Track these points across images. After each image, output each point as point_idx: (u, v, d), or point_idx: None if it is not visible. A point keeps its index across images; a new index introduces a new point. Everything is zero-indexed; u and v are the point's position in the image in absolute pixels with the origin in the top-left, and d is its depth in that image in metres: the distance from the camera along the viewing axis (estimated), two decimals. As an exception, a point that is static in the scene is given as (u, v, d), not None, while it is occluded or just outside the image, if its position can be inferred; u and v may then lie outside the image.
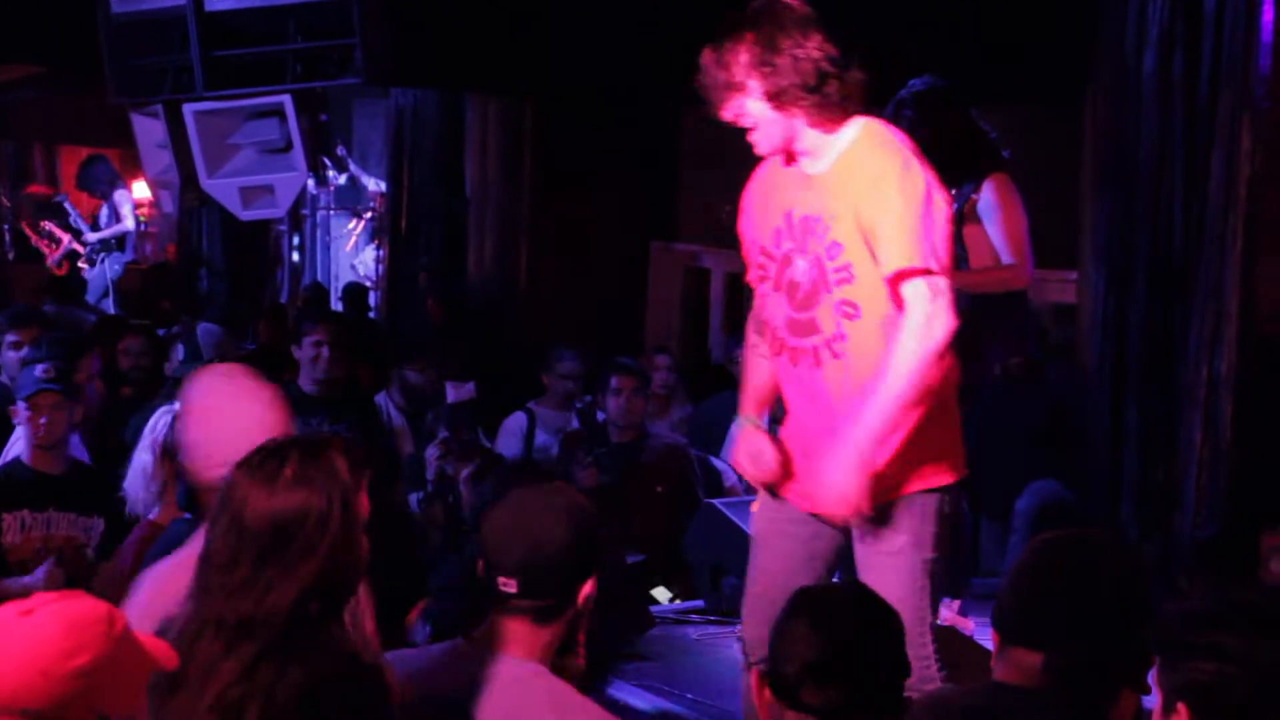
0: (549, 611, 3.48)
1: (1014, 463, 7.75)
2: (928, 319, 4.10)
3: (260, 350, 11.01)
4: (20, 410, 6.29)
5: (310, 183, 14.23)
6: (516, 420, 9.00)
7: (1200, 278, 7.02)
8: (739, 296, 12.39)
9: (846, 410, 4.25)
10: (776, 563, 4.46)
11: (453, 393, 8.76)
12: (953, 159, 6.28)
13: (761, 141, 4.31)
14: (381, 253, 14.76)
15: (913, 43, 8.85)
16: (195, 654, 2.92)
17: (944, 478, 4.35)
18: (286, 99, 9.72)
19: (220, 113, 10.04)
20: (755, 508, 4.65)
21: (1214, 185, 6.99)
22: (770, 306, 4.45)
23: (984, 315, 6.32)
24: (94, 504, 6.21)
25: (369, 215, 16.00)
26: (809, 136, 4.27)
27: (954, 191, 6.35)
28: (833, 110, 4.23)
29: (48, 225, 16.64)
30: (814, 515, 4.40)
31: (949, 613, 6.44)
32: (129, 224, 16.06)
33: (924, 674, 4.26)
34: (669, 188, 12.95)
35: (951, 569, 6.42)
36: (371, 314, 14.13)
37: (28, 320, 8.22)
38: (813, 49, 4.17)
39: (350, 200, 16.24)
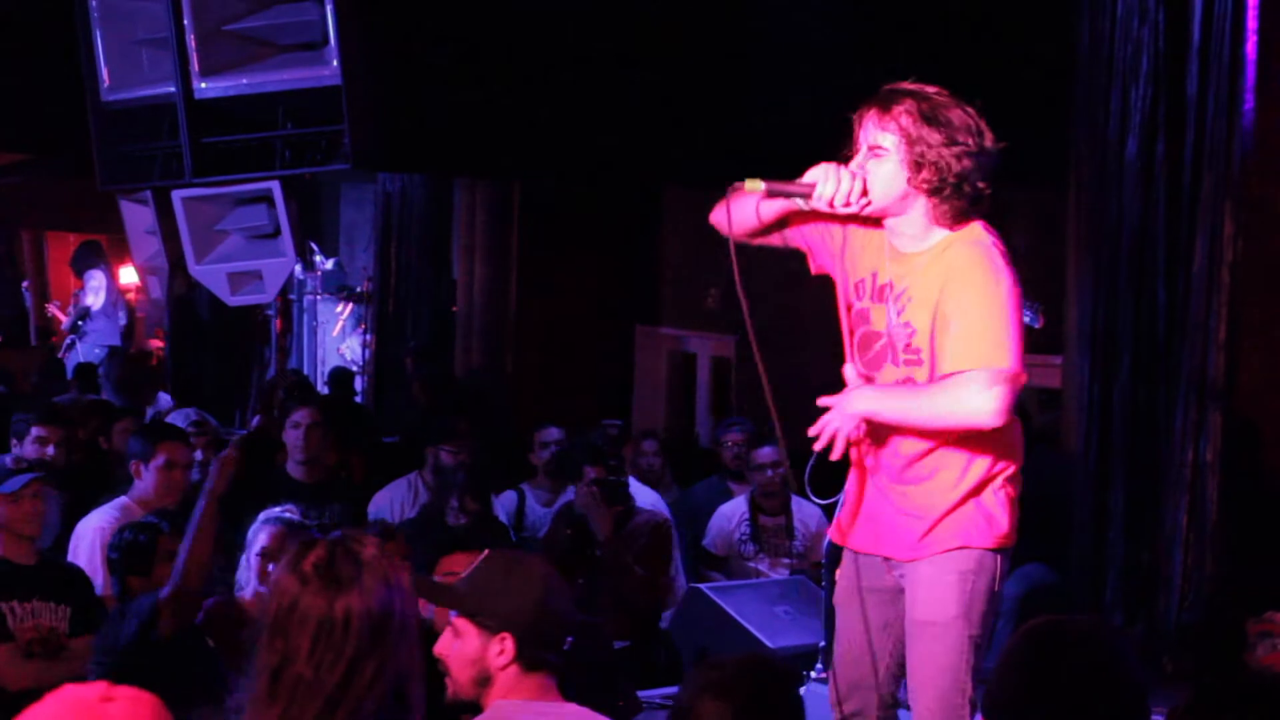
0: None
1: (1000, 547, 7.73)
2: (983, 389, 4.17)
3: (255, 435, 10.98)
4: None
5: (297, 268, 14.25)
6: (507, 498, 8.99)
7: (1184, 362, 7.02)
8: (725, 380, 12.40)
9: (886, 473, 4.46)
10: (852, 628, 4.59)
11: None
12: None
13: (875, 201, 4.32)
14: (368, 337, 14.74)
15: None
16: None
17: (982, 541, 4.40)
18: (275, 185, 9.72)
19: (209, 199, 10.03)
20: (839, 573, 4.72)
21: (1196, 270, 7.01)
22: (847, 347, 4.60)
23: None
24: (63, 593, 6.27)
25: (356, 301, 16.01)
26: (916, 222, 4.34)
27: None
28: (954, 213, 4.31)
29: (51, 308, 16.75)
30: (884, 560, 4.53)
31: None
32: (87, 301, 16.05)
33: None
34: (653, 272, 12.97)
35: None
36: (358, 398, 14.09)
37: (54, 418, 8.34)
38: (964, 148, 4.25)
39: (337, 286, 16.24)
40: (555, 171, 11.28)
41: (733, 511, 8.60)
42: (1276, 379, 7.63)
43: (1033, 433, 8.28)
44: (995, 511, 4.40)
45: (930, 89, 4.28)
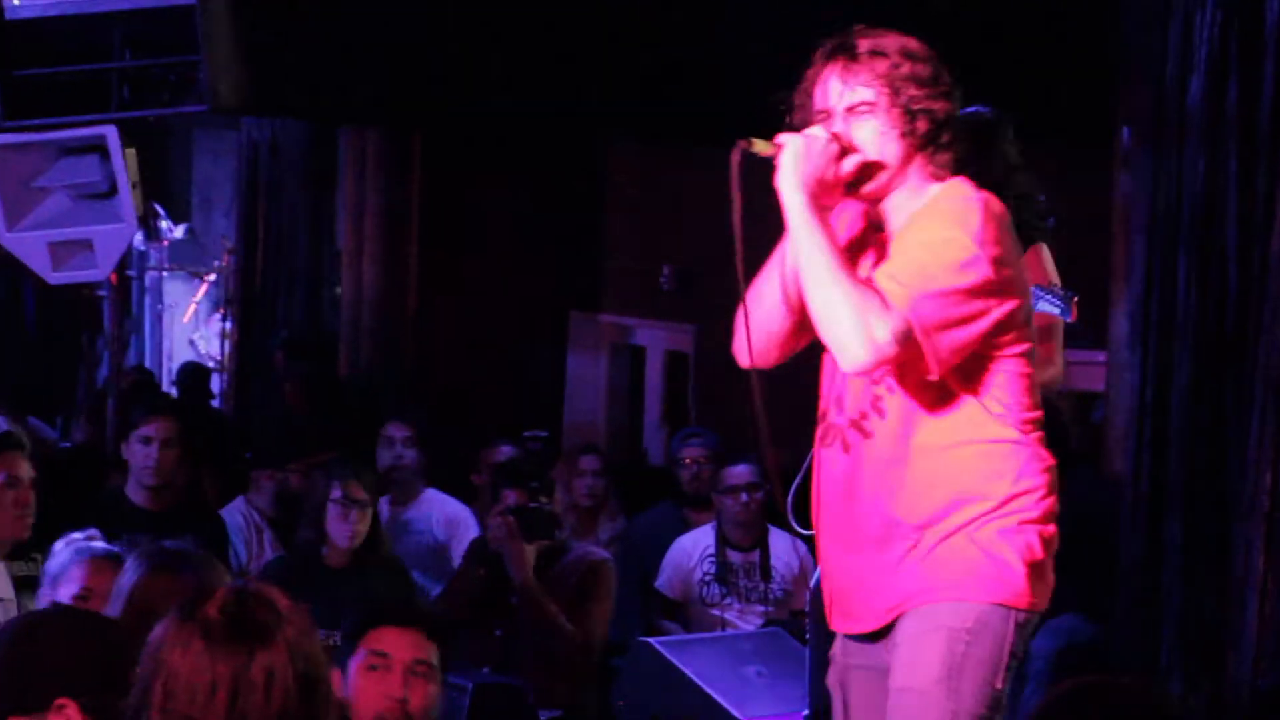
0: None
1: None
2: (883, 324, 4.21)
3: (80, 450, 10.94)
4: None
5: (139, 237, 14.17)
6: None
7: (1260, 359, 7.06)
8: (680, 381, 12.41)
9: (869, 503, 4.46)
10: (840, 715, 4.63)
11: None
12: None
13: (868, 178, 4.44)
14: (229, 325, 14.70)
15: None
16: None
17: (987, 594, 4.40)
18: (110, 131, 9.67)
19: (24, 148, 9.96)
20: (833, 650, 4.75)
21: (1277, 244, 7.04)
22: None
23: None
24: None
25: (213, 278, 15.95)
26: (908, 189, 4.46)
27: None
28: (951, 165, 4.46)
29: None
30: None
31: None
32: None
33: None
34: (593, 246, 12.97)
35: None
36: (215, 402, 14.04)
37: None
38: (945, 86, 4.43)
39: (189, 259, 16.18)
40: (467, 118, 11.26)
41: (694, 545, 8.60)
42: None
43: (1069, 451, 8.36)
44: (1007, 557, 4.39)
45: (877, 30, 4.46)
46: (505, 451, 9.30)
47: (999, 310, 4.33)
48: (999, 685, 4.37)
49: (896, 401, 4.43)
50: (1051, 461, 4.50)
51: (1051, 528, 4.45)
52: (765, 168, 4.39)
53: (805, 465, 5.04)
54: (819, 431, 4.62)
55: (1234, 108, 7.17)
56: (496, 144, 12.04)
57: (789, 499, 5.15)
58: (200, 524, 8.05)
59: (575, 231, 12.77)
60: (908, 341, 4.22)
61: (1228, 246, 7.22)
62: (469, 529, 9.09)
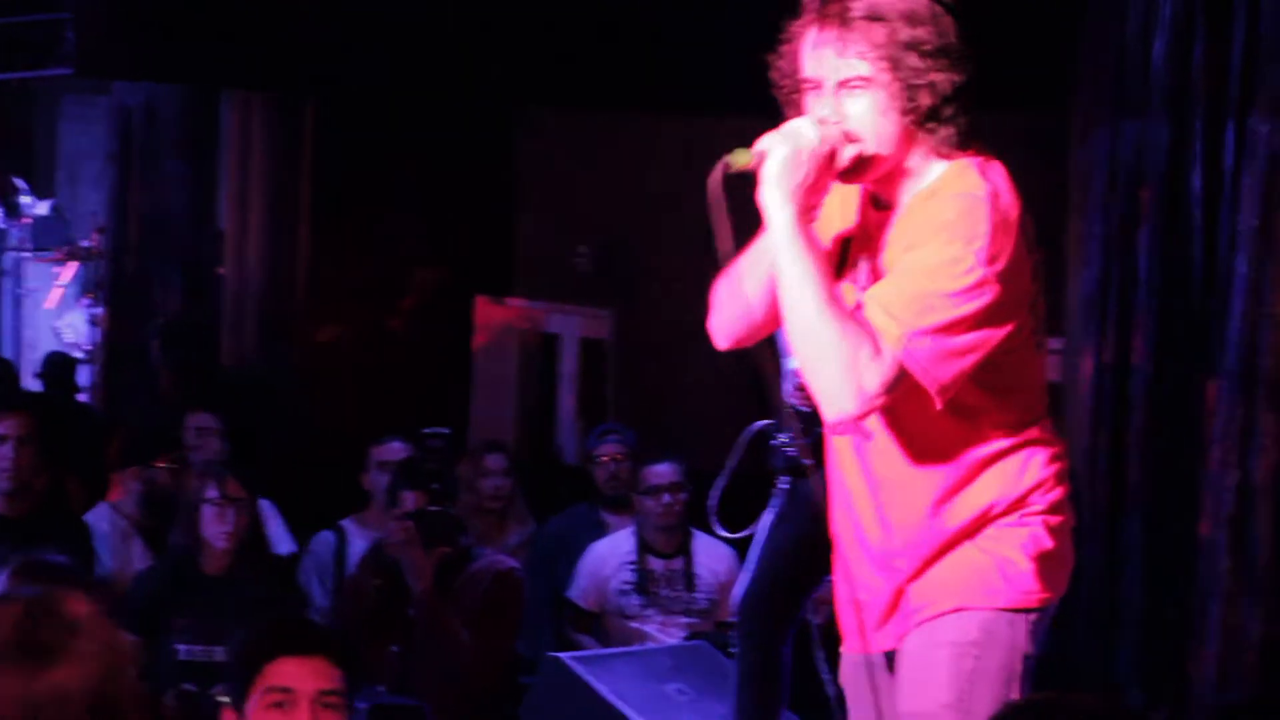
0: None
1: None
2: (872, 371, 4.14)
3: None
4: None
5: (-4, 215, 14.13)
6: (321, 542, 8.98)
7: (1229, 346, 7.09)
8: (599, 372, 12.41)
9: (868, 522, 4.48)
10: (860, 714, 4.65)
11: None
12: None
13: (865, 167, 4.35)
14: (98, 311, 14.61)
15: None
16: None
17: (992, 599, 4.41)
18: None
19: None
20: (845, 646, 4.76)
21: (1246, 219, 7.07)
22: None
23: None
24: None
25: (81, 259, 15.84)
26: (908, 167, 4.38)
27: None
28: (957, 138, 4.35)
29: None
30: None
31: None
32: None
33: None
34: (502, 224, 12.96)
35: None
36: (82, 396, 13.97)
37: None
38: (957, 54, 4.31)
39: (54, 239, 16.06)
40: (362, 82, 11.23)
41: (611, 551, 8.63)
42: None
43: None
44: (1012, 555, 4.39)
45: None
46: (397, 449, 9.26)
47: (1007, 328, 4.26)
48: (1014, 696, 4.36)
49: (892, 419, 4.39)
50: (1058, 449, 4.49)
51: (1059, 517, 4.44)
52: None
53: (729, 465, 5.02)
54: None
55: (1200, 71, 7.20)
56: (395, 113, 12.01)
57: (713, 501, 5.13)
58: (62, 532, 8.01)
59: (482, 208, 12.75)
60: (900, 383, 4.16)
61: (1193, 222, 7.25)
62: (276, 523, 9.17)
